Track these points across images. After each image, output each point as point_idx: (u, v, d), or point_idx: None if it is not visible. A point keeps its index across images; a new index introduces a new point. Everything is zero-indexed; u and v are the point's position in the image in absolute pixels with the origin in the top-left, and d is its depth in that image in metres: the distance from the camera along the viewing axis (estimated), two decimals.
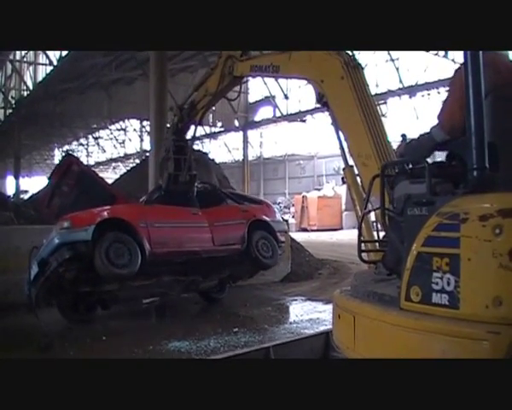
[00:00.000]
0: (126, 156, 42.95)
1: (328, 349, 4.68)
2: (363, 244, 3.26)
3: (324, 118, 26.53)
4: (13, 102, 32.08)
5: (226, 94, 8.15)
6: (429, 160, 2.64)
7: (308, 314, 8.41)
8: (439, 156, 2.98)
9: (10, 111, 32.15)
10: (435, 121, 2.87)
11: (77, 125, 39.02)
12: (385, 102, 23.19)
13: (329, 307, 3.30)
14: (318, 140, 33.98)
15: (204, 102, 7.99)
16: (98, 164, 46.03)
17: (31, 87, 30.96)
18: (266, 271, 9.41)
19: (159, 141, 10.99)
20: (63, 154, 44.89)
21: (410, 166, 2.92)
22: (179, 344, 6.66)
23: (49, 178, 9.30)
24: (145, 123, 33.99)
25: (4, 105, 34.81)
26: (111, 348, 6.73)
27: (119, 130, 42.05)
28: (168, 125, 8.98)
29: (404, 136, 3.23)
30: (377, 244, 3.62)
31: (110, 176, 36.01)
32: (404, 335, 2.40)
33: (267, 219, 9.00)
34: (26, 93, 31.42)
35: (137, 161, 31.03)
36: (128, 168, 25.53)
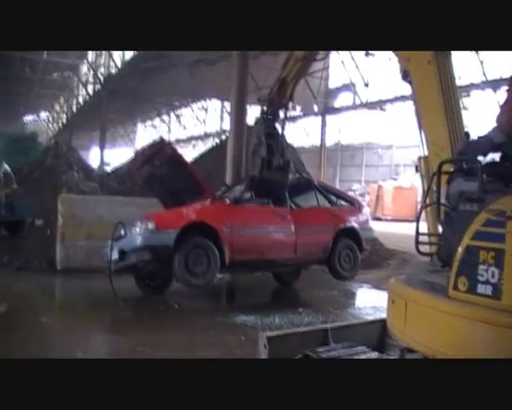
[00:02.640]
0: (206, 135, 43.73)
1: (384, 336, 4.82)
2: (422, 236, 3.42)
3: (404, 107, 26.04)
4: (102, 78, 33.65)
5: (316, 56, 8.34)
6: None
7: (372, 302, 8.55)
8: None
9: (99, 87, 33.65)
10: (494, 124, 3.00)
11: (160, 101, 40.19)
12: (468, 95, 22.48)
13: None
14: (397, 129, 33.36)
15: (294, 71, 8.13)
16: (178, 141, 47.18)
17: (119, 65, 32.13)
18: None
19: (238, 121, 11.23)
20: (146, 127, 46.48)
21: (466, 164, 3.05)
22: (246, 318, 6.97)
23: (137, 153, 9.56)
24: (225, 103, 34.58)
25: (94, 81, 36.59)
26: (182, 315, 7.22)
27: (200, 109, 42.93)
28: (258, 110, 8.98)
29: (467, 133, 3.34)
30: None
31: (189, 153, 36.89)
32: (450, 321, 2.58)
33: (356, 226, 8.90)
34: (114, 70, 32.73)
35: (217, 140, 31.61)
36: (207, 147, 26.12)
